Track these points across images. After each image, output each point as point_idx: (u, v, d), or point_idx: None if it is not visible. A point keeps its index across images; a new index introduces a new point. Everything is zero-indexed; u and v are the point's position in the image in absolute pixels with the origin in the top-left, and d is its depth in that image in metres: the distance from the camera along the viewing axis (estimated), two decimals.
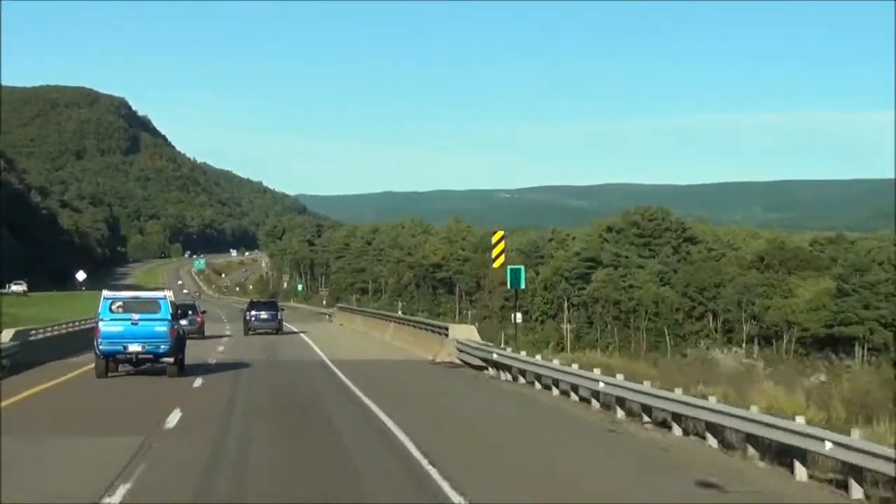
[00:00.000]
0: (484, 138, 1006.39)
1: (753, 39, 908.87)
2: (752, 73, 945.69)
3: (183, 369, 30.25)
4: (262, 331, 56.25)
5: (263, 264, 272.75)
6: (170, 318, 29.01)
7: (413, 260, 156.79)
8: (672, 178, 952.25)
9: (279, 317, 57.73)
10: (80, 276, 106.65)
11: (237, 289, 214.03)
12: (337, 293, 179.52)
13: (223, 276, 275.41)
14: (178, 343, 29.80)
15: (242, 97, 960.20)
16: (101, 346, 28.94)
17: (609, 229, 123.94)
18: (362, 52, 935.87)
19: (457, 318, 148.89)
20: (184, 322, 39.07)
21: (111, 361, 29.55)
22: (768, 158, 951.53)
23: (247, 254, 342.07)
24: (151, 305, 29.27)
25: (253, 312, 57.18)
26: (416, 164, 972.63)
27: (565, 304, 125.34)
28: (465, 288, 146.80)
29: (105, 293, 30.01)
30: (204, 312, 57.85)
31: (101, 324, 28.81)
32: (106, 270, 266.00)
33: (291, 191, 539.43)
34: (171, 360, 29.47)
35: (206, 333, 54.83)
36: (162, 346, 28.87)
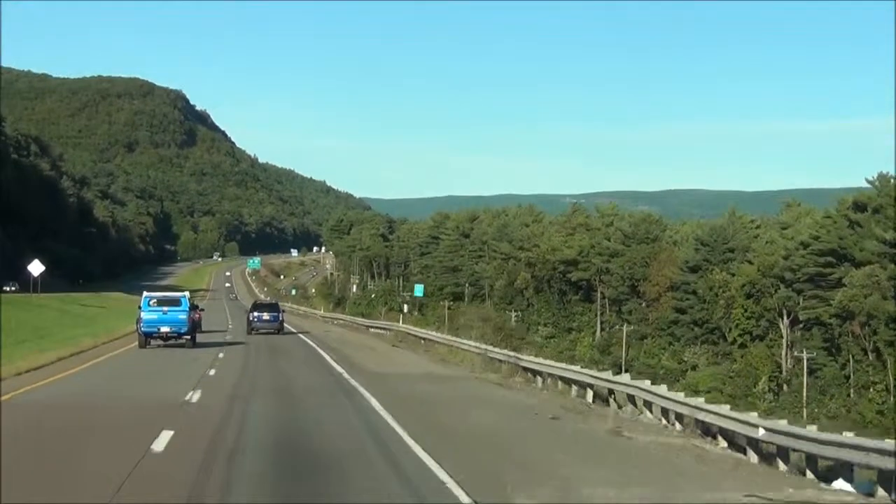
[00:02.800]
0: (548, 142, 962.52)
1: (819, 47, 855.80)
2: (819, 81, 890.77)
3: (195, 344, 44.51)
4: (264, 331, 59.26)
5: (328, 265, 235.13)
6: (188, 309, 44.10)
7: (533, 255, 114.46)
8: (739, 185, 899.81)
9: (280, 318, 61.46)
10: (36, 268, 62.59)
11: (293, 292, 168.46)
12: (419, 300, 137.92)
13: (281, 277, 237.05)
14: (193, 326, 44.93)
15: (307, 99, 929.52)
16: (142, 328, 43.55)
17: (857, 207, 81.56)
18: (427, 56, 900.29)
19: (597, 335, 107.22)
20: None
21: (149, 338, 43.83)
22: (836, 165, 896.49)
23: (322, 250, 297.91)
24: (176, 301, 44.31)
25: (255, 314, 61.13)
26: (479, 168, 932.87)
27: (784, 321, 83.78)
28: (612, 294, 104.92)
29: (145, 294, 45.01)
30: (202, 310, 62.71)
31: (142, 313, 43.52)
32: (145, 269, 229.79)
33: (356, 192, 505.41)
34: (188, 337, 44.04)
35: None
36: (183, 329, 43.56)
